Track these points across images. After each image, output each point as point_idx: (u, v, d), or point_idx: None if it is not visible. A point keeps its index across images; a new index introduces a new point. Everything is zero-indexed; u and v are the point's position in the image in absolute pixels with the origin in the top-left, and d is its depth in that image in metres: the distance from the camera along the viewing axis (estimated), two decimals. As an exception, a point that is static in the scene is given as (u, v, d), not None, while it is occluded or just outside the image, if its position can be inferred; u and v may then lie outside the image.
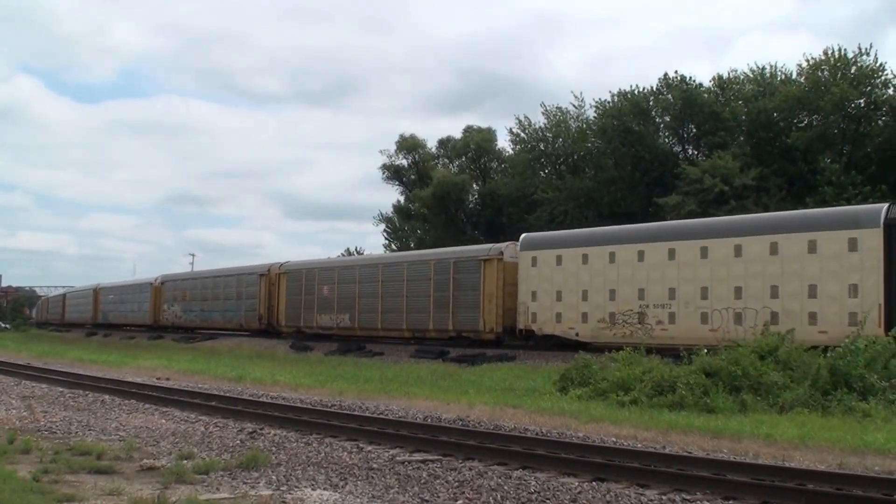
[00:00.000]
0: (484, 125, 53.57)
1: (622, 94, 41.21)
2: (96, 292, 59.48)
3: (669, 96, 39.87)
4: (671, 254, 23.41)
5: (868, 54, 34.69)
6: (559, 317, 25.78)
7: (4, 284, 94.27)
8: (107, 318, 56.74)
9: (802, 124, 35.99)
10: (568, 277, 25.68)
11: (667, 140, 41.98)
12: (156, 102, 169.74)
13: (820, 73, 35.42)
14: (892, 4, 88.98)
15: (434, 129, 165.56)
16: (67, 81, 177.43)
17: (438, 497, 8.32)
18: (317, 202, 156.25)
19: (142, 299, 51.24)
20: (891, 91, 34.30)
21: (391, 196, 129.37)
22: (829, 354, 16.05)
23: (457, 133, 54.34)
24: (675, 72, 41.08)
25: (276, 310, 37.71)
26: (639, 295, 23.84)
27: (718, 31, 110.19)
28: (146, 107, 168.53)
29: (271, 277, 38.33)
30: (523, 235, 28.30)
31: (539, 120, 46.25)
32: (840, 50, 35.42)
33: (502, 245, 28.83)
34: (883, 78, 34.30)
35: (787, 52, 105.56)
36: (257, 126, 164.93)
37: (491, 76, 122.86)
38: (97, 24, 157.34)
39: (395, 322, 31.39)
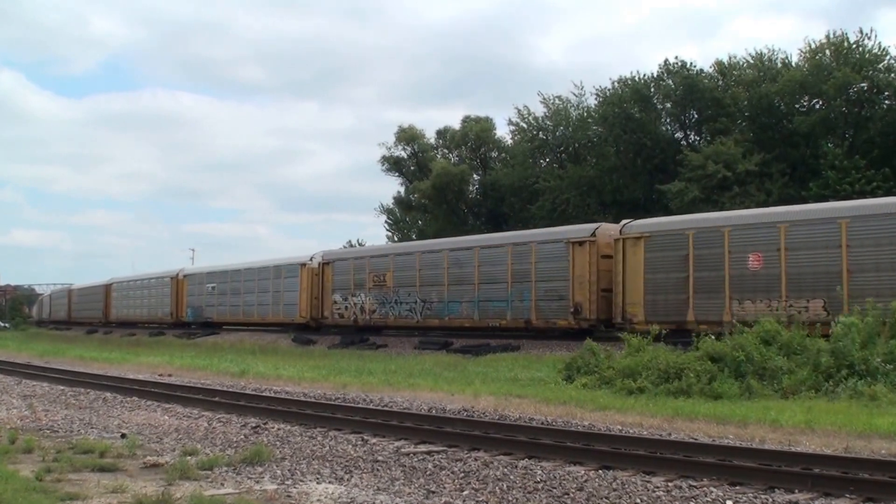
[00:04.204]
0: (474, 113, 53.62)
1: (623, 81, 41.00)
2: (178, 281, 45.85)
3: (670, 82, 39.65)
4: None
5: (871, 38, 34.57)
6: None
7: (2, 283, 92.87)
8: (200, 314, 43.77)
9: (804, 109, 35.85)
10: None
11: (668, 127, 41.81)
12: (142, 95, 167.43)
13: (821, 57, 35.25)
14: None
15: (424, 118, 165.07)
16: (49, 75, 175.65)
17: (444, 488, 8.27)
18: (310, 194, 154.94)
19: (280, 287, 37.53)
20: (893, 75, 34.11)
21: (385, 186, 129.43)
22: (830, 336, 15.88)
23: (450, 121, 54.57)
24: (676, 57, 40.85)
25: (621, 297, 24.47)
26: None
27: (706, 14, 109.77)
28: (132, 100, 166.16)
29: (600, 246, 25.11)
30: None
31: (538, 109, 46.23)
32: (841, 33, 35.34)
33: None
34: (886, 62, 34.13)
35: (776, 34, 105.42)
36: (245, 117, 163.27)
37: (478, 62, 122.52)
38: (76, 15, 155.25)
39: None
